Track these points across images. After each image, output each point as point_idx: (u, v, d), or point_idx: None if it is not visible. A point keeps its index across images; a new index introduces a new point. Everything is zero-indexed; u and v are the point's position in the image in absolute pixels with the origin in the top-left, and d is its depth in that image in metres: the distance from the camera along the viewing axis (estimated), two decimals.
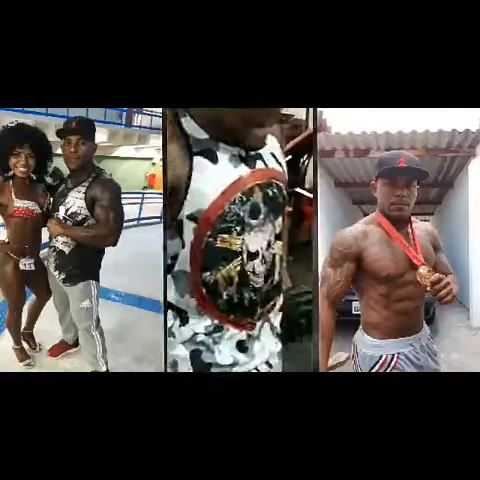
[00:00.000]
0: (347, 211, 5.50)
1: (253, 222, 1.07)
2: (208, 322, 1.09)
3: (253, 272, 1.09)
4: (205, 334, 1.10)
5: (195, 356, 1.12)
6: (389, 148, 3.65)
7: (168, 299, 1.11)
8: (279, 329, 1.26)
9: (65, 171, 2.09)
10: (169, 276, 1.07)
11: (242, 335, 1.13)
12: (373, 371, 1.56)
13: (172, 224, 1.01)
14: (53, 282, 2.13)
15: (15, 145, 1.98)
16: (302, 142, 1.73)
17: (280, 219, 1.15)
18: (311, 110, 1.67)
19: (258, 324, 1.16)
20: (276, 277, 1.16)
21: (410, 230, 1.57)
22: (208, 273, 1.05)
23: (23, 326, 2.30)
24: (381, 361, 1.55)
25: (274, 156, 1.13)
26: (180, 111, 1.02)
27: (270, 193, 1.10)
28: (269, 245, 1.12)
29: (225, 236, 1.03)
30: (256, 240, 1.08)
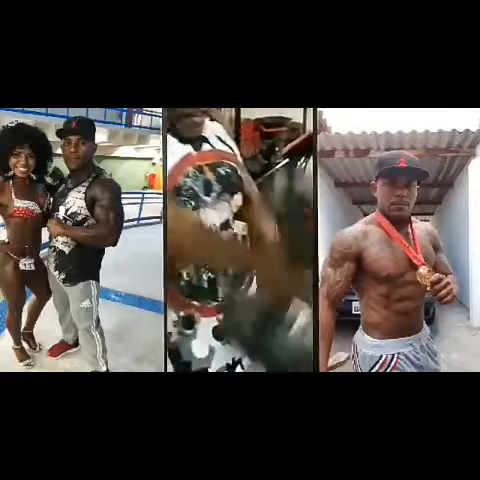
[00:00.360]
0: (347, 211, 5.50)
1: (206, 199, 1.12)
2: (173, 316, 1.11)
3: None
4: (179, 333, 1.11)
5: (174, 356, 1.14)
6: (389, 148, 3.65)
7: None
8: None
9: (65, 171, 2.09)
10: None
11: (214, 320, 1.14)
12: (373, 371, 1.56)
13: None
14: (53, 282, 2.13)
15: (15, 145, 1.98)
16: (299, 145, 1.75)
17: (237, 198, 1.18)
18: (309, 112, 1.67)
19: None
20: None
21: (410, 230, 1.57)
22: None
23: (23, 326, 2.30)
24: (381, 361, 1.55)
25: (220, 139, 1.19)
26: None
27: (222, 172, 1.16)
28: (227, 223, 1.14)
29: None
30: (210, 217, 1.12)
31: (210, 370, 1.17)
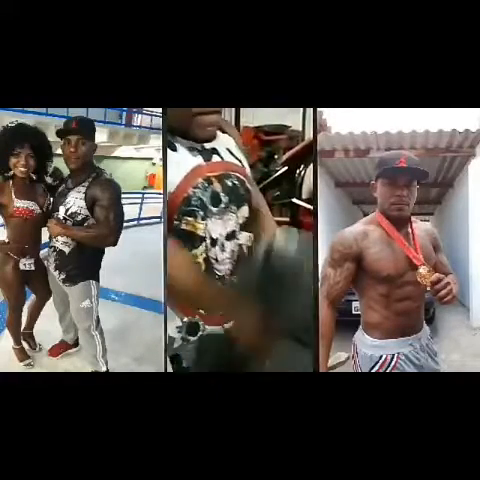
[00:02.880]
0: (347, 211, 5.50)
1: (214, 209, 1.13)
2: (177, 322, 1.11)
3: (216, 259, 1.13)
4: (182, 339, 1.11)
5: (175, 362, 1.14)
6: (389, 148, 3.64)
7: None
8: None
9: (65, 171, 2.09)
10: None
11: (220, 329, 1.14)
12: (373, 371, 1.56)
13: None
14: (53, 282, 2.13)
15: (15, 145, 1.98)
16: (298, 153, 1.75)
17: (244, 210, 1.20)
18: (309, 112, 1.68)
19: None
20: (246, 269, 1.19)
21: (410, 230, 1.57)
22: None
23: (23, 326, 2.29)
24: (381, 361, 1.55)
25: (231, 152, 1.21)
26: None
27: (230, 184, 1.17)
28: (233, 234, 1.16)
29: (189, 219, 1.11)
30: (216, 227, 1.13)
31: None
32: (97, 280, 2.08)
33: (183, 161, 1.12)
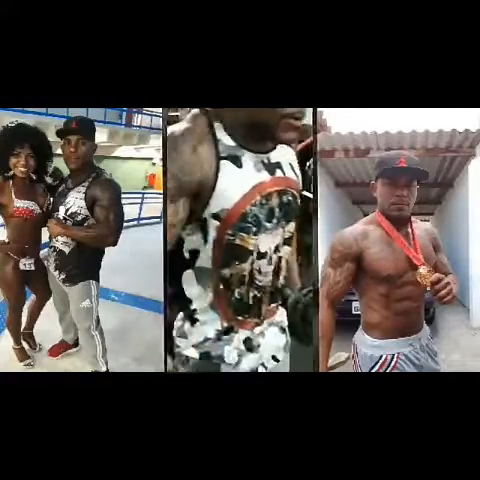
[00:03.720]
0: (347, 211, 5.50)
1: (268, 225, 1.15)
2: (218, 326, 1.18)
3: (259, 271, 1.17)
4: (217, 339, 1.18)
5: (204, 358, 1.18)
6: (389, 148, 3.65)
7: (188, 294, 1.18)
8: (285, 323, 1.31)
9: (65, 171, 2.09)
10: (191, 271, 1.16)
11: (248, 332, 1.21)
12: (373, 371, 1.56)
13: (192, 220, 1.11)
14: (53, 282, 2.13)
15: (15, 145, 1.97)
16: (308, 146, 1.74)
17: (291, 225, 1.23)
18: (309, 112, 1.68)
19: (265, 325, 1.25)
20: (281, 280, 1.24)
21: (410, 230, 1.57)
22: (227, 270, 1.14)
23: (23, 326, 2.30)
24: (381, 361, 1.55)
25: (292, 167, 1.22)
26: (214, 116, 1.10)
27: (285, 200, 1.18)
28: (277, 248, 1.20)
29: (244, 235, 1.12)
30: (266, 241, 1.16)
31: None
32: (97, 280, 2.08)
33: (246, 178, 1.11)
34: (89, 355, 2.14)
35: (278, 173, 1.17)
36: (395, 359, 1.54)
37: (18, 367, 2.21)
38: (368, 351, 1.57)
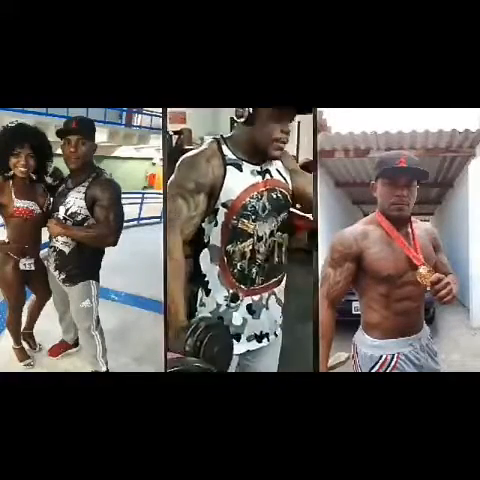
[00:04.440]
0: (347, 211, 5.49)
1: (262, 214, 1.51)
2: (225, 292, 1.50)
3: (258, 251, 1.51)
4: (226, 305, 1.50)
5: (217, 324, 1.43)
6: (389, 148, 3.64)
7: (203, 270, 1.50)
8: (282, 300, 1.63)
9: (65, 171, 2.09)
10: (206, 250, 1.49)
11: (250, 299, 1.53)
12: (373, 371, 1.56)
13: (209, 212, 1.46)
14: (53, 282, 2.13)
15: (15, 145, 1.97)
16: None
17: (283, 216, 1.57)
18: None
19: (265, 295, 1.56)
20: (276, 259, 1.56)
21: (410, 230, 1.57)
22: (230, 246, 1.48)
23: (23, 326, 2.30)
24: (381, 361, 1.55)
25: (279, 172, 1.58)
26: (221, 141, 1.50)
27: (274, 196, 1.54)
28: (272, 233, 1.54)
29: (244, 220, 1.48)
30: (262, 228, 1.51)
31: (243, 336, 1.53)
32: (97, 280, 2.08)
33: (244, 179, 1.49)
34: (89, 355, 2.14)
35: (267, 177, 1.53)
36: (395, 359, 1.55)
37: (18, 367, 2.21)
38: (368, 351, 1.58)
